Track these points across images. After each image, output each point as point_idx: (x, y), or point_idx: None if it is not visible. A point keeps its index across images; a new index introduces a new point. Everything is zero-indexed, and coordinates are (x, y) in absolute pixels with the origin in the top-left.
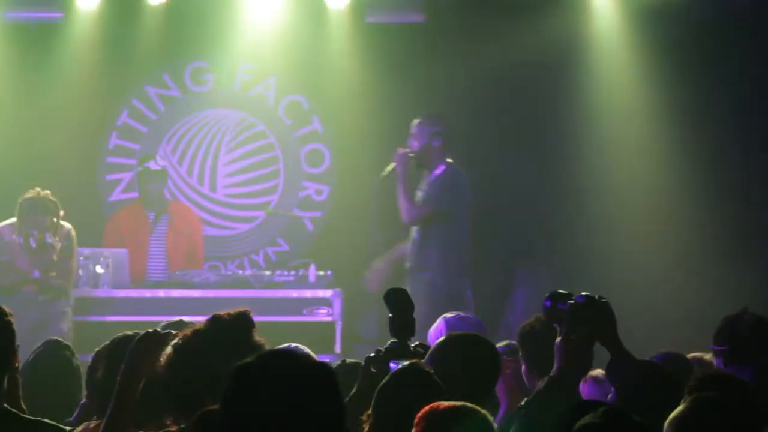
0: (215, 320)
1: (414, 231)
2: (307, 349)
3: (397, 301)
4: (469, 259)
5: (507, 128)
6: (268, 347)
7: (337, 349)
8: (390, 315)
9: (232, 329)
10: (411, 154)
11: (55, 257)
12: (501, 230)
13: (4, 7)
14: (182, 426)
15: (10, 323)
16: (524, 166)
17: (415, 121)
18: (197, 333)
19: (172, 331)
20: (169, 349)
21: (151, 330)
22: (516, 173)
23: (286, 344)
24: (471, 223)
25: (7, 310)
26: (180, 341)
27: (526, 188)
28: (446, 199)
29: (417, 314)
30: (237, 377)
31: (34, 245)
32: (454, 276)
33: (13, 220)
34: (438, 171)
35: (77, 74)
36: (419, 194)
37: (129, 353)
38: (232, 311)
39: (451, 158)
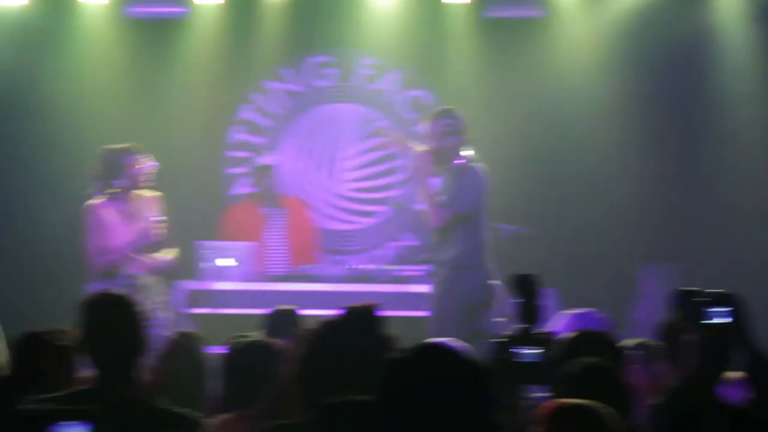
0: (347, 313)
1: None
2: (459, 344)
3: (526, 287)
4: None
5: (630, 123)
6: (395, 341)
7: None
8: (518, 300)
9: (362, 322)
10: (426, 154)
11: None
12: (625, 227)
13: (126, 2)
14: (308, 417)
15: (139, 311)
16: (647, 160)
17: (427, 120)
18: (328, 326)
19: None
20: (301, 343)
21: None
22: (639, 168)
23: (438, 339)
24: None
25: (135, 299)
26: (312, 334)
27: (650, 183)
28: (464, 201)
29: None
30: (394, 369)
31: (142, 181)
32: (471, 273)
33: (102, 200)
34: (454, 169)
35: (200, 69)
36: (441, 197)
37: None
38: (361, 305)
39: (468, 152)
